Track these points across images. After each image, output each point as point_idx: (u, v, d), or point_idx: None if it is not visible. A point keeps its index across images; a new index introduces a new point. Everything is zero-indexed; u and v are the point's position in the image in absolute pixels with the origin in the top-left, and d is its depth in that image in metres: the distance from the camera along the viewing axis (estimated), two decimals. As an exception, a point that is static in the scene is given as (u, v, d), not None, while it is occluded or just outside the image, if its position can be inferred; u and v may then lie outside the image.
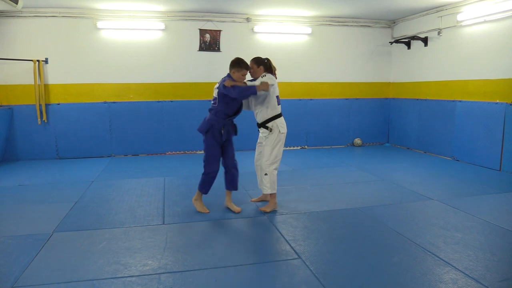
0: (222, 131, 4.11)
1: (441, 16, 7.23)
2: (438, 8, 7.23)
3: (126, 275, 2.90)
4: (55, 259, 3.19)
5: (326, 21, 8.33)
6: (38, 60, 7.11)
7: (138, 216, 4.18)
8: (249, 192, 5.06)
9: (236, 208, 4.33)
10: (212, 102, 4.22)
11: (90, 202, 4.71)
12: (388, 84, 9.01)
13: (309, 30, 8.24)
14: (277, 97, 4.19)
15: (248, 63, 4.17)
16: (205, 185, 4.27)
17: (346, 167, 6.58)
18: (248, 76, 4.26)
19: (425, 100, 7.87)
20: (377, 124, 9.04)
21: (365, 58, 8.75)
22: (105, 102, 7.61)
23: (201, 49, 7.83)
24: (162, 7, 7.21)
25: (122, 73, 7.60)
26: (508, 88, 6.05)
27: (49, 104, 7.37)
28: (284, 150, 4.38)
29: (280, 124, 4.18)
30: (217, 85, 4.18)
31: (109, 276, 2.88)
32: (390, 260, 3.14)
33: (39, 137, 7.37)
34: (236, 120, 4.28)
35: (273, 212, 4.29)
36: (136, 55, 7.60)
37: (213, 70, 7.76)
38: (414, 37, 7.89)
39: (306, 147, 8.66)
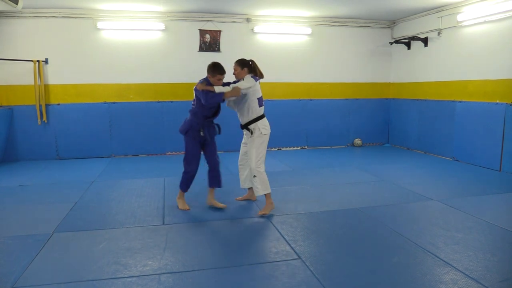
0: (202, 132, 4.21)
1: (441, 17, 7.23)
2: (438, 9, 7.23)
3: (126, 276, 2.90)
4: (55, 259, 3.19)
5: (326, 21, 8.33)
6: (38, 61, 7.11)
7: (138, 217, 4.18)
8: (249, 192, 5.06)
9: (220, 204, 4.43)
10: (192, 103, 4.28)
11: (90, 202, 4.71)
12: (388, 84, 9.01)
13: (309, 31, 8.24)
14: (259, 98, 4.18)
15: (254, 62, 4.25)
16: (185, 184, 4.40)
17: (346, 168, 6.58)
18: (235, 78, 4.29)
19: (425, 100, 7.86)
20: (377, 124, 9.04)
21: (365, 58, 8.74)
22: (105, 103, 7.61)
23: (201, 49, 7.83)
24: (162, 8, 7.21)
25: (122, 74, 7.60)
26: (508, 89, 6.05)
27: (49, 105, 7.37)
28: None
29: (262, 126, 4.17)
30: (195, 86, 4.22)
31: (109, 277, 2.88)
32: (390, 260, 3.14)
33: (39, 137, 7.37)
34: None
35: (273, 212, 4.28)
36: (136, 56, 7.60)
37: (213, 70, 7.79)
38: (414, 38, 7.88)
39: (306, 147, 8.66)
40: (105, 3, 6.77)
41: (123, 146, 7.74)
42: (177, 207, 4.44)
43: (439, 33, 7.33)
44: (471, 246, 3.37)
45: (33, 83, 7.15)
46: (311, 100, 8.58)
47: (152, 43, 7.66)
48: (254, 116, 4.16)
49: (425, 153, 7.90)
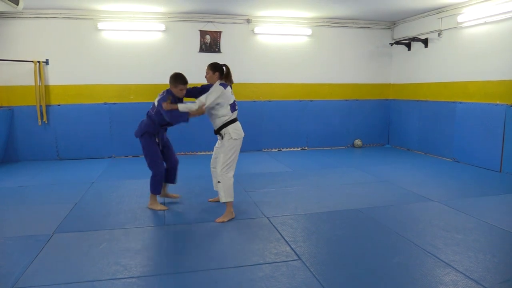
0: (157, 139, 4.34)
1: (441, 18, 7.23)
2: (438, 10, 7.24)
3: (126, 276, 2.89)
4: (55, 260, 3.19)
5: (326, 22, 8.33)
6: (38, 61, 7.12)
7: (139, 217, 4.18)
8: (249, 193, 5.06)
9: (174, 195, 4.74)
10: (152, 109, 4.29)
11: (91, 203, 4.71)
12: (389, 85, 9.01)
13: (309, 32, 8.25)
14: (232, 104, 4.08)
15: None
16: (159, 186, 4.46)
17: (346, 168, 6.58)
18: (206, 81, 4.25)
19: (426, 101, 7.86)
20: (377, 125, 9.04)
21: (365, 59, 8.75)
22: (105, 103, 7.61)
23: (201, 50, 7.83)
24: (162, 8, 7.22)
25: (122, 74, 7.61)
26: (508, 89, 6.05)
27: (50, 105, 7.38)
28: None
29: (233, 131, 4.06)
30: (158, 97, 4.21)
31: (109, 277, 2.88)
32: (390, 261, 3.14)
33: (40, 138, 7.37)
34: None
35: (273, 213, 4.28)
36: (137, 56, 7.61)
37: (214, 71, 7.80)
38: (415, 39, 7.88)
39: (306, 148, 8.65)
40: (106, 4, 6.77)
41: (123, 146, 7.73)
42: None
43: (439, 34, 7.33)
44: (471, 247, 3.37)
45: (33, 84, 7.16)
46: (311, 101, 8.58)
47: (152, 44, 7.66)
48: (226, 121, 4.06)
49: (425, 154, 7.90)
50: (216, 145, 4.39)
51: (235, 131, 4.08)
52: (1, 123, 6.91)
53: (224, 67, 4.15)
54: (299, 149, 8.62)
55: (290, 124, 8.49)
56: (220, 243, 3.54)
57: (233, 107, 4.11)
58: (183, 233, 3.79)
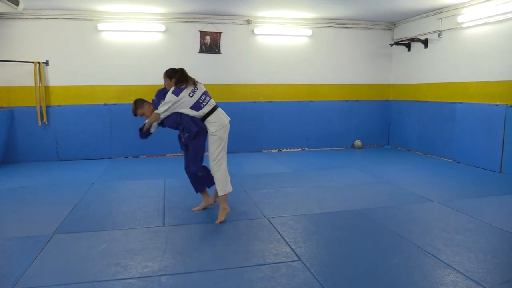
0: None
1: (441, 18, 7.24)
2: (438, 10, 7.24)
3: (126, 277, 2.89)
4: (55, 261, 3.19)
5: (326, 23, 8.34)
6: (38, 62, 7.12)
7: (139, 218, 4.18)
8: (249, 194, 5.06)
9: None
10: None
11: (91, 203, 4.71)
12: (389, 86, 9.01)
13: (309, 32, 8.25)
14: (194, 105, 4.00)
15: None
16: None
17: (346, 169, 6.57)
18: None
19: (426, 102, 7.86)
20: (377, 126, 9.04)
21: (365, 60, 8.75)
22: (105, 104, 7.62)
23: (201, 51, 7.84)
24: (162, 9, 7.22)
25: (122, 75, 7.61)
26: (508, 90, 6.05)
27: (50, 106, 7.38)
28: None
29: (210, 125, 4.04)
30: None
31: (109, 278, 2.88)
32: (390, 262, 3.14)
33: (40, 138, 7.37)
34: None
35: (273, 214, 4.28)
36: (137, 57, 7.61)
37: (214, 72, 7.79)
38: (414, 39, 7.88)
39: (306, 148, 8.65)
40: (106, 4, 6.78)
41: (123, 147, 7.74)
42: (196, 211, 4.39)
43: (439, 35, 7.33)
44: (471, 248, 3.37)
45: (33, 85, 7.16)
46: (311, 101, 8.58)
47: (152, 45, 7.67)
48: (202, 117, 4.04)
49: (425, 154, 7.89)
50: None
51: (212, 124, 4.05)
52: (1, 124, 6.91)
53: (179, 71, 4.07)
54: (299, 149, 8.62)
55: (290, 124, 8.49)
56: (221, 244, 3.54)
57: (197, 106, 4.01)
58: (183, 234, 3.78)
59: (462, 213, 4.25)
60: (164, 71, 4.18)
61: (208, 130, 4.07)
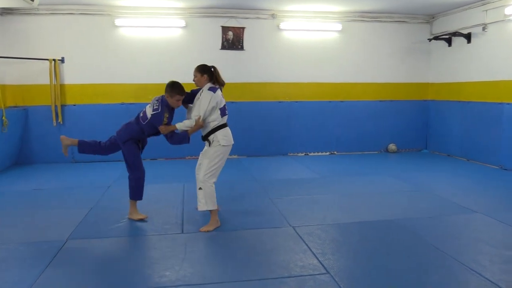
0: (140, 146, 4.38)
1: (486, 10, 7.06)
2: (483, 1, 7.07)
3: (142, 287, 2.92)
4: (69, 267, 3.25)
5: (358, 16, 8.26)
6: (54, 59, 7.32)
7: (156, 224, 4.23)
8: (274, 201, 5.04)
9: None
10: (141, 115, 4.25)
11: (107, 208, 4.80)
12: (427, 84, 8.85)
13: (339, 27, 8.20)
14: (222, 108, 4.06)
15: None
16: (142, 191, 4.37)
17: (379, 176, 6.48)
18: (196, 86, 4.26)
19: (468, 102, 7.69)
20: (414, 128, 8.89)
21: (401, 56, 8.62)
22: (122, 104, 7.76)
23: (223, 47, 7.89)
24: (182, 4, 7.32)
25: (140, 73, 7.74)
26: None
27: (65, 105, 7.57)
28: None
29: (222, 137, 4.05)
30: (152, 106, 4.18)
31: (125, 287, 2.92)
32: (428, 278, 3.06)
33: (55, 139, 7.51)
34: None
35: (300, 222, 4.25)
36: (155, 54, 7.73)
37: (236, 69, 7.83)
38: (456, 33, 7.74)
39: (335, 152, 8.58)
40: (124, -1, 6.93)
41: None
42: (135, 220, 4.34)
43: (484, 28, 7.16)
44: (521, 264, 3.25)
45: (48, 83, 7.36)
46: (341, 101, 8.51)
47: (172, 41, 7.78)
48: (214, 127, 4.06)
49: (468, 160, 7.71)
50: (202, 151, 4.34)
51: (225, 138, 4.08)
52: (15, 124, 7.13)
53: (212, 69, 4.15)
54: (327, 153, 8.56)
55: (318, 126, 8.44)
56: (243, 253, 3.54)
57: (223, 111, 4.09)
58: (203, 242, 3.80)
59: (510, 226, 4.11)
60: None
61: (217, 142, 4.05)
